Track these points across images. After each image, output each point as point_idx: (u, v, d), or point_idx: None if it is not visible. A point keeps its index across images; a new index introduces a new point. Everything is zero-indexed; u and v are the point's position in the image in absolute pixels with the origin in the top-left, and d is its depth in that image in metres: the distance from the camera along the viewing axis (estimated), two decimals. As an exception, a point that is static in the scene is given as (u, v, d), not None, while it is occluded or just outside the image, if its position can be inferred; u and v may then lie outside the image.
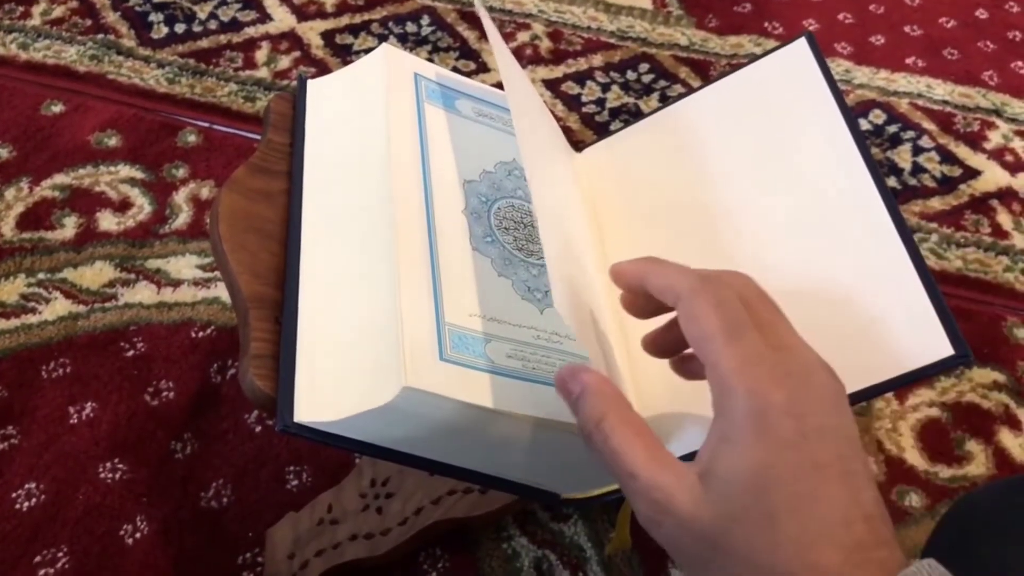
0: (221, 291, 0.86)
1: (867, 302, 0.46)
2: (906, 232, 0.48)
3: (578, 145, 0.64)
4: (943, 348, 0.44)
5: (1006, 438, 0.82)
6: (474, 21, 1.18)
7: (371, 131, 0.53)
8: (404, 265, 0.45)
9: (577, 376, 0.39)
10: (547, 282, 0.50)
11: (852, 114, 0.53)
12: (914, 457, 0.80)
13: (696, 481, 0.35)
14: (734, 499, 0.35)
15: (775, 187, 0.52)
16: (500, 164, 0.55)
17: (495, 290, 0.48)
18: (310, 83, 0.58)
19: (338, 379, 0.43)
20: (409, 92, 0.55)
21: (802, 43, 0.57)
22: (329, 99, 0.57)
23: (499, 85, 0.55)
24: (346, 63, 1.09)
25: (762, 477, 0.34)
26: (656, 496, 0.36)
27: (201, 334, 0.83)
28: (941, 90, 1.13)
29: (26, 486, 0.73)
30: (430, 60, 1.08)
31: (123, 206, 0.93)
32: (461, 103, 0.57)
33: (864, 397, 0.45)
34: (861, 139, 0.52)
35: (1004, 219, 0.99)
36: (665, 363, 0.46)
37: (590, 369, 0.39)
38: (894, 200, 0.49)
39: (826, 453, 0.35)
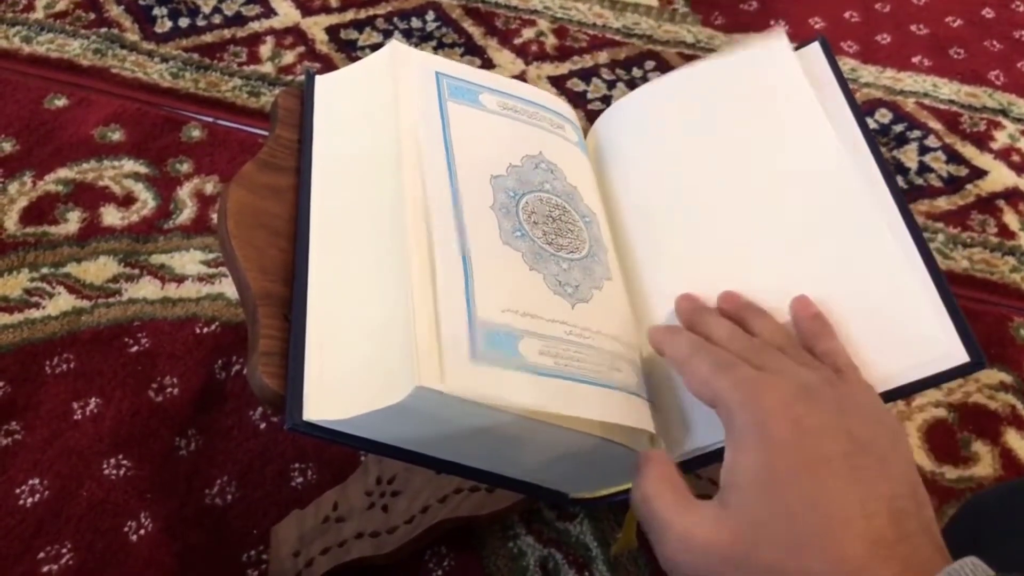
0: (225, 287, 0.86)
1: (880, 306, 0.46)
2: (919, 235, 0.47)
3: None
4: (958, 354, 0.43)
5: (1013, 439, 0.81)
6: (479, 17, 1.17)
7: (382, 128, 0.52)
8: (418, 263, 0.45)
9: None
10: (577, 276, 0.49)
11: (864, 117, 0.53)
12: (920, 458, 0.79)
13: (716, 508, 0.38)
14: (750, 504, 0.36)
15: (786, 191, 0.51)
16: (527, 157, 0.54)
17: (527, 285, 0.47)
18: (318, 79, 0.58)
19: (348, 377, 0.43)
20: (424, 89, 0.54)
21: (815, 47, 0.56)
22: (338, 95, 0.57)
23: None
24: (351, 59, 1.09)
25: (769, 477, 0.36)
26: (679, 530, 0.38)
27: (205, 330, 0.83)
28: (947, 89, 1.13)
29: (30, 482, 0.73)
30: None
31: (127, 201, 0.93)
32: (485, 97, 0.57)
33: None
34: (873, 142, 0.51)
35: (1011, 219, 0.99)
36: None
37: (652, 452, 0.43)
38: (906, 203, 0.49)
39: (828, 450, 0.36)
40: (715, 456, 0.45)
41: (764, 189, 0.52)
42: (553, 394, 0.43)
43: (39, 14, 1.12)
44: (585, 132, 0.63)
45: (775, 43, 0.57)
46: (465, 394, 0.41)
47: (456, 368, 0.41)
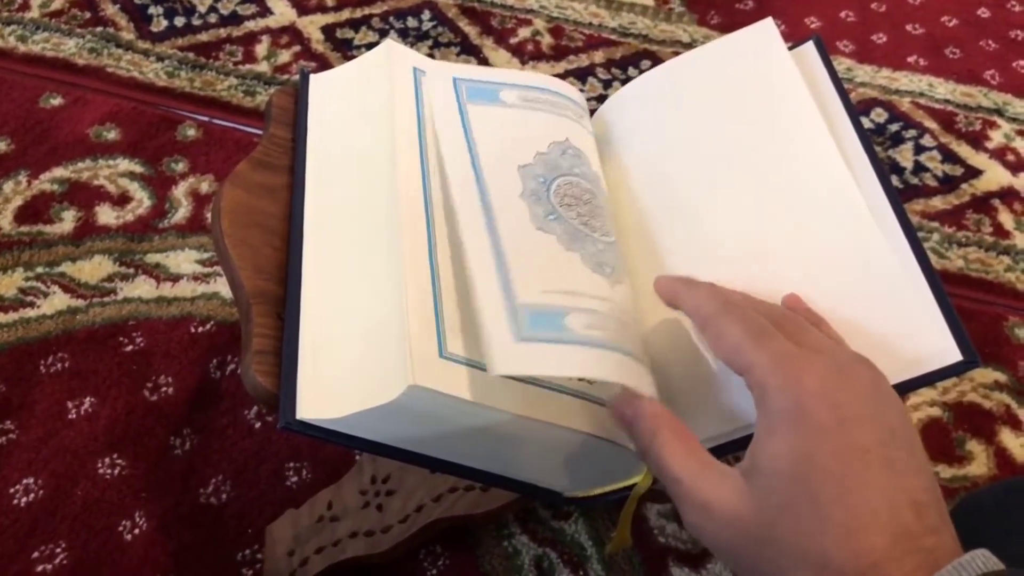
0: (220, 286, 0.86)
1: (873, 305, 0.46)
2: (912, 234, 0.47)
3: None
4: (951, 353, 0.43)
5: (1007, 438, 0.82)
6: (475, 16, 1.17)
7: (376, 127, 0.52)
8: (408, 262, 0.45)
9: (632, 403, 0.42)
10: (612, 259, 0.49)
11: (859, 116, 0.53)
12: (915, 457, 0.80)
13: (740, 480, 0.37)
14: (778, 490, 0.35)
15: (780, 189, 0.51)
16: (553, 144, 0.54)
17: (565, 264, 0.47)
18: (312, 78, 0.58)
19: (341, 376, 0.43)
20: (444, 97, 0.54)
21: (809, 46, 0.57)
22: (332, 94, 0.57)
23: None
24: (347, 58, 1.09)
25: (803, 464, 0.35)
26: (699, 498, 0.37)
27: (200, 329, 0.83)
28: (943, 89, 1.13)
29: (24, 481, 0.73)
30: (431, 56, 1.08)
31: (122, 200, 0.93)
32: (505, 93, 0.56)
33: None
34: (868, 142, 0.51)
35: (1006, 219, 0.99)
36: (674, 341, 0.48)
37: (643, 397, 0.42)
38: (900, 202, 0.49)
39: (866, 439, 0.35)
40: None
41: (757, 185, 0.52)
42: (603, 363, 0.42)
43: (34, 13, 1.12)
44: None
45: (762, 31, 0.56)
46: (459, 393, 0.41)
47: (430, 365, 0.41)
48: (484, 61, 1.12)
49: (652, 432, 0.40)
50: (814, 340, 0.39)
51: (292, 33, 1.13)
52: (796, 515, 0.35)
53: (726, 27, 1.18)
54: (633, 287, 0.52)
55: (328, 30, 1.14)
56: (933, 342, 0.44)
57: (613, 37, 1.17)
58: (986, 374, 0.86)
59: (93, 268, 0.87)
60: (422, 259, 0.45)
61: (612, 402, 0.43)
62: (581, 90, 1.09)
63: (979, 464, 0.80)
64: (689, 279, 0.44)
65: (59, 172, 0.94)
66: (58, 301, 0.84)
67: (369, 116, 0.54)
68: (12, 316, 0.83)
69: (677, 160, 0.55)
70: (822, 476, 0.34)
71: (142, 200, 0.93)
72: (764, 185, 0.52)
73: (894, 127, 1.08)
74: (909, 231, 0.48)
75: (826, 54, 0.56)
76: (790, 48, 0.57)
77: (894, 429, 0.36)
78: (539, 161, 0.52)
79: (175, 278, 0.87)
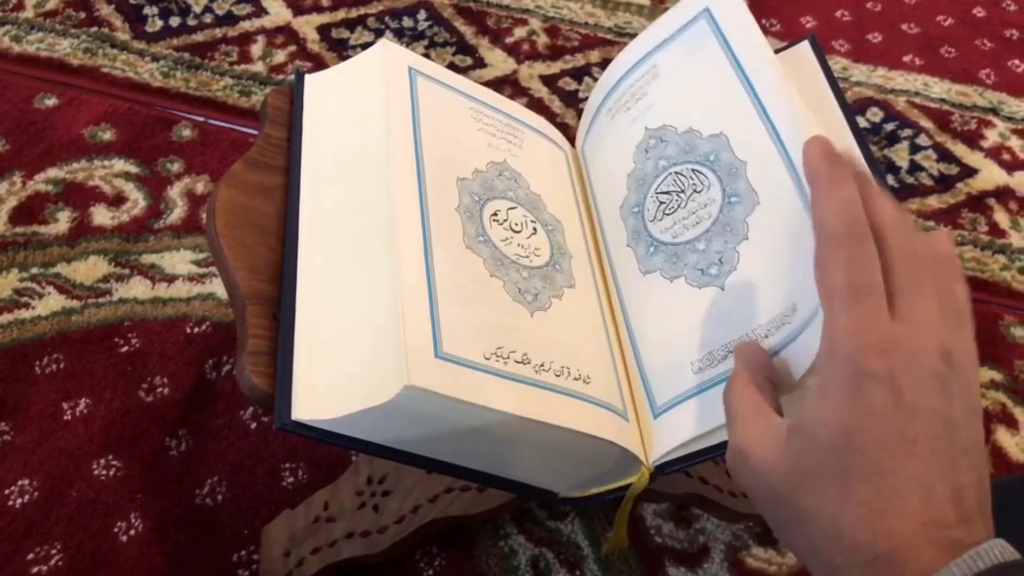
0: (216, 286, 0.86)
1: None
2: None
3: (575, 141, 0.64)
4: None
5: (1003, 437, 0.82)
6: (471, 16, 1.17)
7: (369, 127, 0.52)
8: (405, 262, 0.45)
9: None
10: (537, 285, 0.49)
11: (854, 116, 0.53)
12: (911, 456, 0.80)
13: (783, 435, 0.37)
14: (812, 454, 0.35)
15: (771, 187, 0.51)
16: (492, 164, 0.54)
17: (487, 290, 0.47)
18: (307, 78, 0.58)
19: (337, 376, 0.43)
20: (405, 88, 0.54)
21: (804, 45, 0.56)
22: (327, 94, 0.57)
23: (495, 82, 0.54)
24: (342, 58, 1.09)
25: (843, 439, 0.35)
26: (740, 444, 0.38)
27: (196, 330, 0.83)
28: (938, 88, 1.13)
29: (19, 483, 0.73)
30: (427, 55, 1.08)
31: (117, 200, 0.93)
32: (456, 101, 0.57)
33: None
34: (864, 141, 0.51)
35: (1001, 217, 0.99)
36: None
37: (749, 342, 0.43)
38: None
39: (916, 429, 0.34)
40: (699, 455, 0.46)
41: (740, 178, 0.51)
42: (516, 396, 0.43)
43: (29, 13, 1.12)
44: (576, 130, 0.63)
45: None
46: (455, 393, 0.41)
47: (425, 366, 0.41)
48: (480, 61, 1.12)
49: (734, 372, 0.41)
50: (916, 306, 0.36)
51: (288, 33, 1.13)
52: (823, 484, 0.35)
53: (722, 27, 1.18)
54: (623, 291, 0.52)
55: (324, 30, 1.14)
56: None
57: (609, 37, 1.17)
58: (982, 373, 0.86)
59: (88, 269, 0.87)
60: (417, 259, 0.45)
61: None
62: (576, 90, 1.09)
63: (975, 463, 0.80)
64: (836, 167, 0.38)
65: (54, 173, 0.94)
66: (53, 302, 0.84)
67: (364, 116, 0.54)
68: (7, 317, 0.82)
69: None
70: (859, 455, 0.34)
71: (137, 200, 0.93)
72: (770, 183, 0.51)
73: (890, 126, 1.08)
74: None
75: (822, 53, 0.56)
76: (785, 47, 0.57)
77: (954, 423, 0.35)
78: (476, 178, 0.52)
79: (170, 279, 0.86)
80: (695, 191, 0.50)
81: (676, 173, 0.51)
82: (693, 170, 0.50)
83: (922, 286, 0.37)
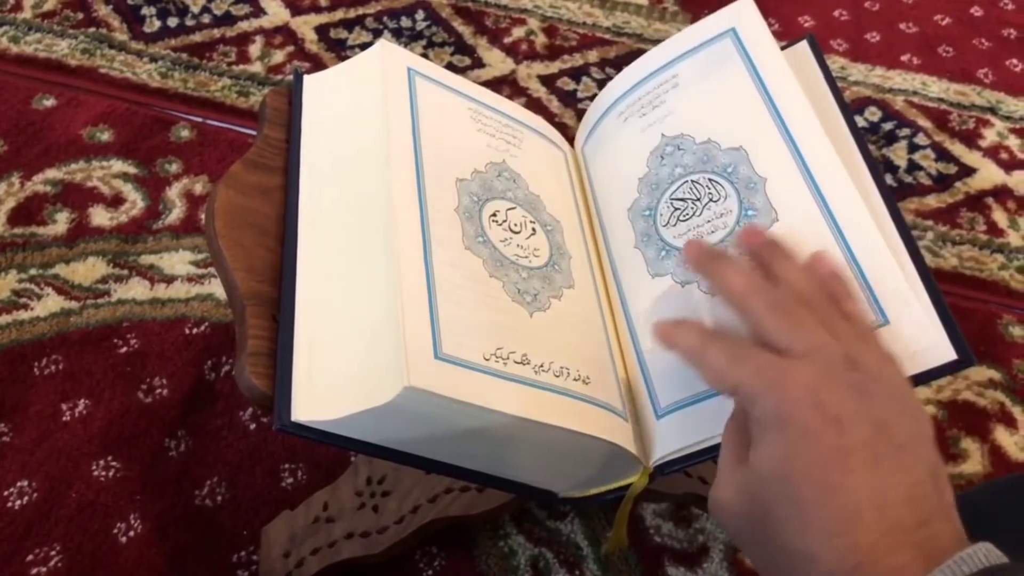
0: (215, 287, 0.86)
1: (868, 304, 0.46)
2: (907, 233, 0.47)
3: (573, 142, 0.64)
4: (946, 352, 0.43)
5: (1002, 436, 0.82)
6: (469, 16, 1.17)
7: (369, 128, 0.52)
8: (404, 263, 0.45)
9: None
10: (537, 285, 0.49)
11: (852, 115, 0.53)
12: (910, 455, 0.80)
13: (742, 477, 0.38)
14: (765, 493, 0.36)
15: (791, 204, 0.51)
16: (490, 164, 0.54)
17: (487, 291, 0.47)
18: (306, 78, 0.58)
19: (337, 378, 0.43)
20: (404, 89, 0.54)
21: (803, 45, 0.56)
22: (325, 95, 0.57)
23: (494, 82, 0.54)
24: (341, 58, 1.09)
25: (785, 468, 0.36)
26: (715, 492, 0.40)
27: (195, 330, 0.83)
28: (936, 88, 1.13)
29: (18, 484, 0.73)
30: (425, 55, 1.08)
31: (116, 201, 0.92)
32: (455, 101, 0.57)
33: None
34: (862, 140, 0.51)
35: (999, 217, 0.99)
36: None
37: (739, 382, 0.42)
38: (895, 201, 0.49)
39: (849, 440, 0.35)
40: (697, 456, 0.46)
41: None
42: (518, 397, 0.43)
43: (27, 14, 1.11)
44: (575, 131, 0.63)
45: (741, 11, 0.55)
46: (455, 394, 0.41)
47: (426, 367, 0.41)
48: (478, 61, 1.12)
49: (733, 413, 0.42)
50: (804, 340, 0.39)
51: (286, 33, 1.13)
52: (782, 517, 0.36)
53: (720, 26, 1.18)
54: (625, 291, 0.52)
55: (322, 30, 1.14)
56: (928, 341, 0.44)
57: (607, 36, 1.17)
58: (980, 372, 0.86)
59: (87, 270, 0.87)
60: (417, 259, 0.45)
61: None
62: (575, 89, 1.09)
63: (974, 462, 0.80)
64: (679, 320, 0.43)
65: (52, 173, 0.94)
66: (52, 303, 0.84)
67: (363, 116, 0.53)
68: (5, 318, 0.82)
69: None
70: (803, 479, 0.35)
71: (136, 201, 0.93)
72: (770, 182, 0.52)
73: (888, 126, 1.08)
74: (903, 230, 0.48)
75: (820, 53, 0.56)
76: (784, 47, 0.57)
77: (884, 423, 0.36)
78: (475, 178, 0.52)
79: (169, 279, 0.86)
80: (711, 200, 0.51)
81: (693, 181, 0.52)
82: (710, 180, 0.51)
83: (803, 322, 0.39)
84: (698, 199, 0.51)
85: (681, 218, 0.51)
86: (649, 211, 0.53)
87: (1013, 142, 1.07)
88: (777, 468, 0.36)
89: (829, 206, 0.47)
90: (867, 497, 0.34)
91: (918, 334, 0.44)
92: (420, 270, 0.45)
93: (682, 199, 0.52)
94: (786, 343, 0.39)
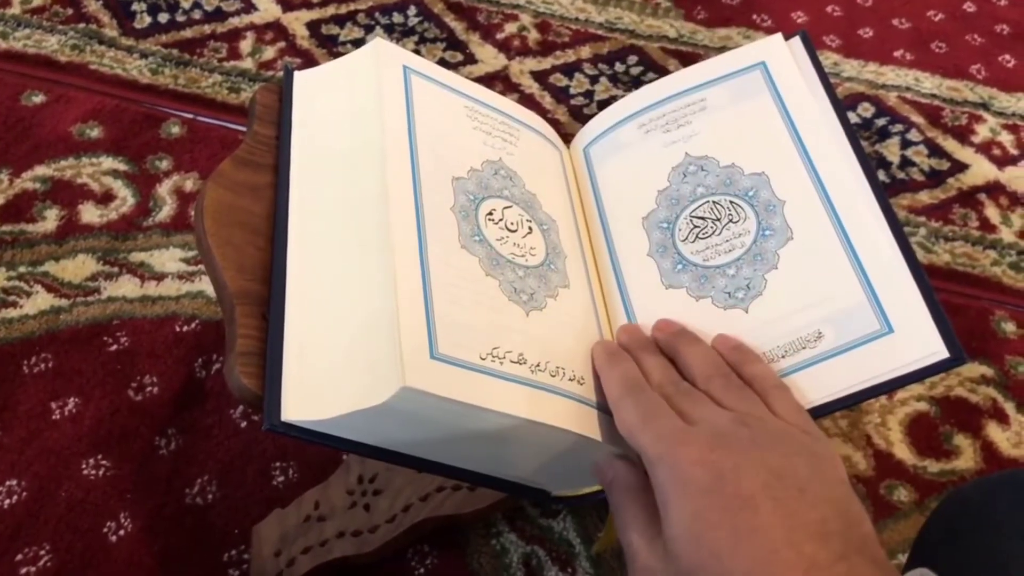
0: (206, 285, 0.85)
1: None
2: (899, 229, 0.47)
3: (567, 138, 0.63)
4: (938, 350, 0.43)
5: (994, 432, 0.82)
6: (461, 12, 1.17)
7: (362, 126, 0.52)
8: (399, 262, 0.44)
9: (610, 468, 0.45)
10: (533, 284, 0.49)
11: (845, 111, 0.53)
12: (902, 451, 0.80)
13: (662, 546, 0.39)
14: (683, 554, 0.37)
15: (807, 224, 0.51)
16: (487, 163, 0.54)
17: (483, 290, 0.47)
18: (297, 75, 0.57)
19: (328, 377, 0.43)
20: (399, 87, 0.54)
21: (796, 41, 0.57)
22: (317, 92, 0.56)
23: (486, 78, 0.54)
24: (332, 54, 1.08)
25: (696, 525, 0.37)
26: (640, 564, 0.40)
27: (186, 328, 0.83)
28: (929, 83, 1.13)
29: (7, 483, 0.72)
30: (417, 51, 1.08)
31: (106, 198, 0.92)
32: (451, 99, 0.56)
33: (856, 400, 0.45)
34: (855, 137, 0.51)
35: (992, 213, 0.99)
36: None
37: (619, 461, 0.45)
38: (887, 197, 0.49)
39: (747, 486, 0.37)
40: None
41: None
42: (514, 396, 0.43)
43: (16, 9, 1.11)
44: (569, 127, 0.63)
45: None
46: (451, 394, 0.40)
47: (421, 367, 0.41)
48: (470, 57, 1.11)
49: (620, 504, 0.43)
50: (699, 413, 0.42)
51: (277, 29, 1.12)
52: (707, 573, 0.36)
53: (713, 22, 1.18)
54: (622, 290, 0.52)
55: (313, 26, 1.13)
56: (920, 339, 0.44)
57: (600, 32, 1.16)
58: (973, 368, 0.86)
59: (76, 267, 0.86)
60: (412, 258, 0.45)
61: (596, 464, 0.46)
62: (567, 86, 1.09)
63: (966, 458, 0.80)
64: (613, 356, 0.47)
65: (41, 170, 0.94)
66: (41, 301, 0.83)
67: (357, 114, 0.53)
68: (-6, 316, 0.82)
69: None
70: (714, 531, 0.36)
71: (126, 198, 0.92)
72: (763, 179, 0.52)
73: (881, 122, 1.08)
74: (896, 226, 0.48)
75: (813, 49, 0.56)
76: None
77: (779, 470, 0.38)
78: (472, 177, 0.52)
79: (159, 277, 0.86)
80: (731, 221, 0.52)
81: (714, 202, 0.53)
82: (731, 202, 0.52)
83: (692, 399, 0.43)
84: (718, 219, 0.52)
85: (700, 236, 0.52)
86: (668, 224, 0.53)
87: (1006, 138, 1.07)
88: (689, 526, 0.37)
89: (845, 228, 0.49)
90: (780, 536, 0.36)
91: (911, 332, 0.44)
92: (416, 269, 0.45)
93: (702, 217, 0.53)
94: (687, 408, 0.42)
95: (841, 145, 0.51)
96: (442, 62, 1.09)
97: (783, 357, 0.46)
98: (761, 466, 0.38)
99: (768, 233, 0.50)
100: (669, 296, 0.51)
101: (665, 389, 0.45)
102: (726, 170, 0.54)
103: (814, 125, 0.53)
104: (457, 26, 1.15)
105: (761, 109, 0.55)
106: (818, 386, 0.45)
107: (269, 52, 1.09)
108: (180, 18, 1.12)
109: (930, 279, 0.46)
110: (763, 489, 0.37)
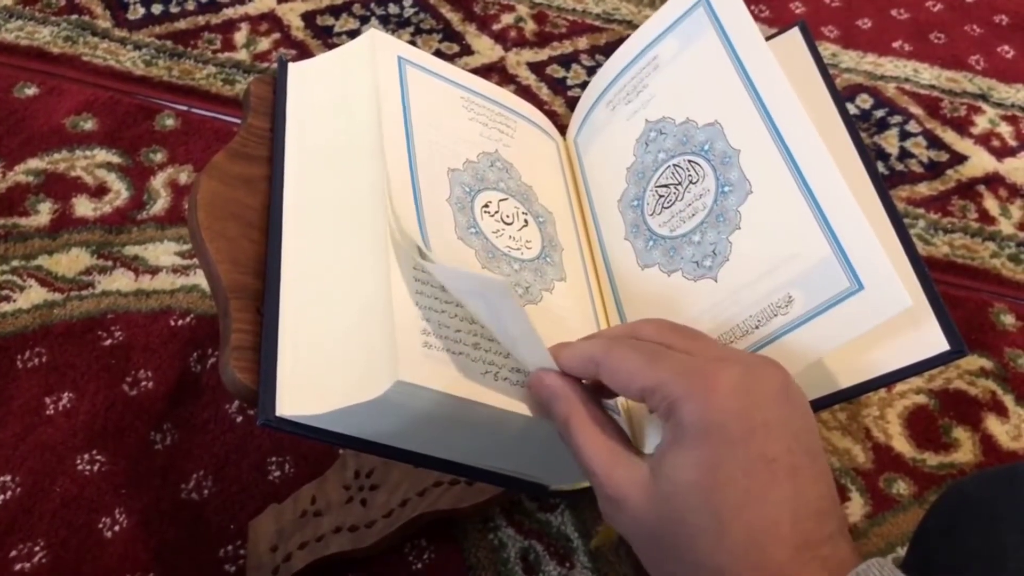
0: (200, 278, 0.85)
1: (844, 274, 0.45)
2: (898, 221, 0.47)
3: (563, 130, 0.63)
4: (938, 343, 0.43)
5: (993, 425, 0.82)
6: (457, 3, 1.16)
7: (358, 118, 0.51)
8: (394, 255, 0.44)
9: (543, 381, 0.41)
10: (528, 278, 0.49)
11: (844, 102, 0.52)
12: (901, 444, 0.79)
13: (648, 480, 0.36)
14: (680, 500, 0.35)
15: (764, 175, 0.51)
16: (483, 155, 0.54)
17: None
18: (291, 66, 0.57)
19: (323, 372, 0.42)
20: (395, 78, 0.53)
21: (794, 32, 0.56)
22: (312, 84, 0.56)
23: (482, 69, 0.53)
24: (327, 45, 1.08)
25: (710, 476, 0.34)
26: (610, 492, 0.37)
27: (180, 322, 0.82)
28: (928, 74, 1.12)
29: (1, 478, 0.72)
30: (413, 42, 1.07)
31: (99, 191, 0.91)
32: (447, 90, 0.56)
33: (856, 393, 0.44)
34: (853, 128, 0.51)
35: (991, 204, 0.99)
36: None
37: (551, 373, 0.41)
38: (886, 189, 0.48)
39: (773, 448, 0.35)
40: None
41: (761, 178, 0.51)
42: (509, 392, 0.42)
43: (7, 0, 1.10)
44: (566, 119, 0.62)
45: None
46: (446, 388, 0.40)
47: (417, 361, 0.40)
48: (467, 48, 1.11)
49: (565, 416, 0.40)
50: (713, 349, 0.39)
51: (272, 20, 1.12)
52: (695, 527, 0.34)
53: (710, 13, 1.17)
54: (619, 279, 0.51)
55: (308, 17, 1.13)
56: (920, 332, 0.44)
57: (597, 23, 1.16)
58: (972, 361, 0.86)
59: (70, 261, 0.85)
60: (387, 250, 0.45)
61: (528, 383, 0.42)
62: (564, 77, 1.08)
63: (965, 451, 0.80)
64: (562, 344, 0.42)
65: (34, 163, 0.93)
66: (35, 295, 0.83)
67: (352, 106, 0.53)
68: (-12, 310, 0.81)
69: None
70: (727, 488, 0.34)
71: (120, 191, 0.91)
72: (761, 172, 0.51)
73: (879, 113, 1.07)
74: (895, 218, 0.47)
75: (811, 40, 0.55)
76: (775, 34, 0.57)
77: (799, 433, 0.36)
78: (468, 169, 0.52)
79: (154, 270, 0.85)
80: (691, 182, 0.50)
81: (674, 166, 0.51)
82: (689, 161, 0.50)
83: (698, 338, 0.39)
84: (679, 183, 0.50)
85: (664, 205, 0.50)
86: (637, 201, 0.52)
87: (1005, 129, 1.07)
88: (700, 476, 0.34)
89: (804, 176, 0.46)
90: (787, 510, 0.34)
91: (908, 324, 0.44)
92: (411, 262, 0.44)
93: (665, 185, 0.51)
94: (698, 351, 0.38)
95: (840, 136, 0.51)
96: (438, 53, 1.08)
97: (756, 328, 0.44)
98: (788, 426, 0.35)
99: (727, 189, 0.48)
100: (645, 277, 0.50)
101: (664, 337, 0.40)
102: (681, 127, 0.51)
103: (764, 63, 0.49)
104: (453, 17, 1.15)
105: (708, 51, 0.51)
106: (794, 358, 0.42)
107: (264, 43, 1.08)
108: (174, 9, 1.11)
109: (929, 271, 0.45)
110: (786, 453, 0.35)
